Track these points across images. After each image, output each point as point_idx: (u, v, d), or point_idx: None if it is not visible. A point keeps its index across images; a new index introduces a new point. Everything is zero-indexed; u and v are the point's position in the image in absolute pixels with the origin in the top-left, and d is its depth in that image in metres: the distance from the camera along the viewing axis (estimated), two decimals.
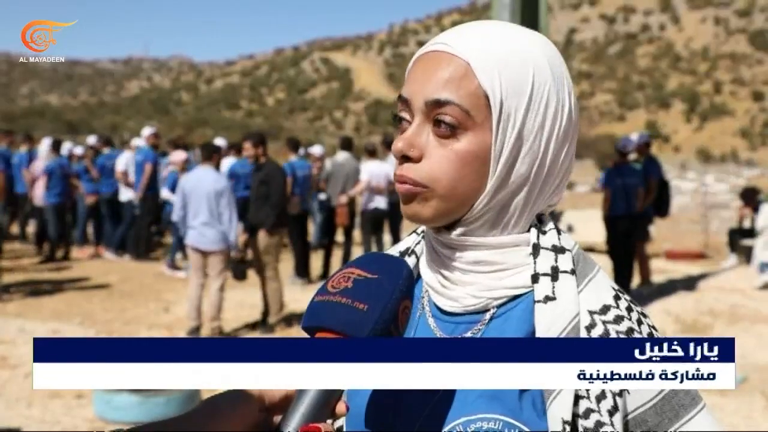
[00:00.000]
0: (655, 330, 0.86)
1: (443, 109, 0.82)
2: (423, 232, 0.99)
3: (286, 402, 0.75)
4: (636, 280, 8.86)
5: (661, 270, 10.23)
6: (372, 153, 9.68)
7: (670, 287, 9.07)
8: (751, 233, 11.02)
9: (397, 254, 0.98)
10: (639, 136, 9.29)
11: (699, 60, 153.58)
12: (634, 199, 8.30)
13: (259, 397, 0.76)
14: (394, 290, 0.77)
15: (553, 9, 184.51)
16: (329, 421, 0.75)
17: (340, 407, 0.75)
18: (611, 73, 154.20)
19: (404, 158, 0.85)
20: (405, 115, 0.87)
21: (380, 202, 9.21)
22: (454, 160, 0.82)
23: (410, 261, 0.96)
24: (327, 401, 0.73)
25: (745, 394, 5.31)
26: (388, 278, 0.77)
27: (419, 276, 0.96)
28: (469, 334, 0.86)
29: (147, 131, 10.97)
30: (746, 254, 10.96)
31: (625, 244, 8.35)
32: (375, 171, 9.13)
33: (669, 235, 14.51)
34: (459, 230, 0.86)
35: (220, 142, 11.53)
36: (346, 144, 9.67)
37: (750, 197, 11.31)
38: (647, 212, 8.84)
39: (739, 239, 11.18)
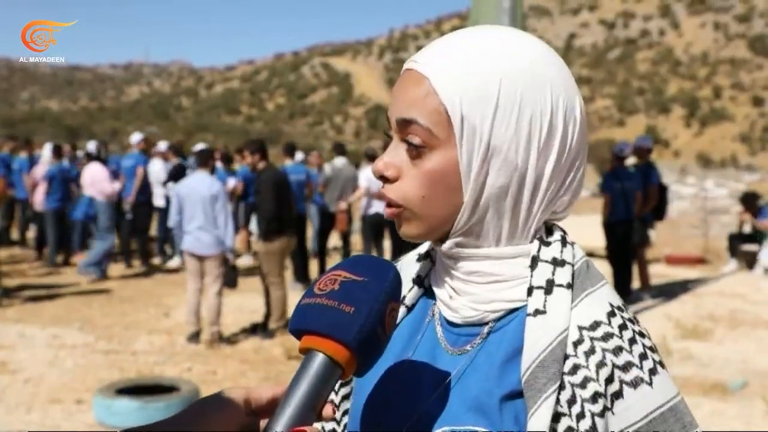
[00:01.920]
0: (652, 351, 0.82)
1: (409, 128, 0.83)
2: None
3: (273, 405, 0.75)
4: (636, 286, 8.85)
5: (661, 275, 10.23)
6: (372, 158, 9.68)
7: (670, 292, 9.06)
8: (752, 238, 11.01)
9: (417, 256, 0.98)
10: (637, 139, 9.29)
11: (699, 65, 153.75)
12: (633, 204, 8.30)
13: (246, 400, 0.76)
14: (381, 293, 0.76)
15: (553, 14, 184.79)
16: (315, 424, 0.74)
17: (327, 410, 0.75)
18: (611, 78, 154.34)
19: (383, 178, 0.86)
20: (391, 133, 0.88)
21: (380, 207, 9.21)
22: (422, 179, 0.83)
23: (426, 264, 0.96)
24: (314, 404, 0.73)
25: (746, 399, 5.30)
26: (374, 281, 0.77)
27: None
28: (468, 347, 0.86)
29: (136, 137, 11.05)
30: (746, 259, 10.96)
31: (625, 249, 8.35)
32: (374, 177, 9.10)
33: (669, 239, 14.52)
34: (449, 244, 0.86)
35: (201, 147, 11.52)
36: (341, 150, 9.73)
37: (750, 202, 11.30)
38: (646, 217, 8.84)
39: (739, 244, 11.17)
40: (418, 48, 0.87)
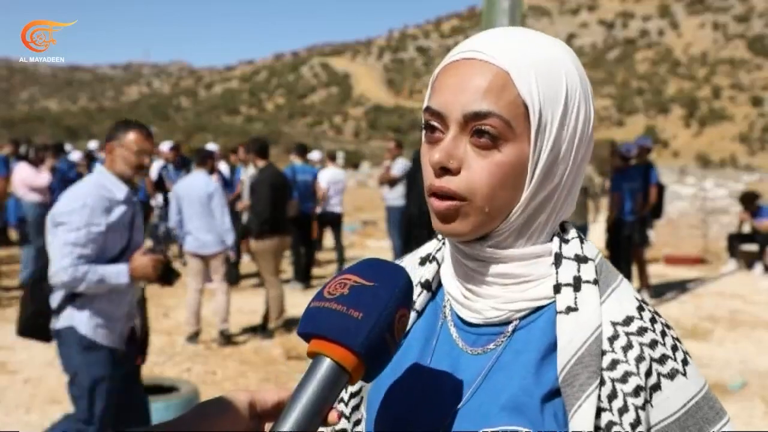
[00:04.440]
0: (680, 342, 0.85)
1: (484, 120, 0.80)
2: (444, 238, 0.96)
3: (278, 409, 0.75)
4: (635, 286, 8.86)
5: (661, 275, 10.22)
6: (333, 159, 10.44)
7: (669, 292, 9.07)
8: (751, 238, 11.01)
9: (418, 260, 0.97)
10: (637, 139, 9.31)
11: (698, 65, 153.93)
12: (636, 203, 8.37)
13: (251, 403, 0.75)
14: (390, 299, 0.75)
15: (552, 14, 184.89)
16: (321, 430, 0.74)
17: (332, 416, 0.74)
18: (610, 79, 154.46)
19: (443, 170, 0.82)
20: (436, 124, 0.83)
21: (335, 207, 9.82)
22: (494, 171, 0.80)
23: (431, 268, 0.95)
24: (319, 409, 0.72)
25: (745, 400, 5.30)
26: (384, 287, 0.76)
27: (440, 284, 0.95)
28: (491, 346, 0.85)
29: (166, 146, 11.10)
30: (746, 259, 10.96)
31: (627, 249, 8.38)
32: (333, 178, 9.73)
33: (668, 240, 14.50)
34: (491, 242, 0.85)
35: (212, 147, 11.58)
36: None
37: (749, 202, 11.29)
38: (646, 217, 8.88)
39: (739, 244, 11.18)
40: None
